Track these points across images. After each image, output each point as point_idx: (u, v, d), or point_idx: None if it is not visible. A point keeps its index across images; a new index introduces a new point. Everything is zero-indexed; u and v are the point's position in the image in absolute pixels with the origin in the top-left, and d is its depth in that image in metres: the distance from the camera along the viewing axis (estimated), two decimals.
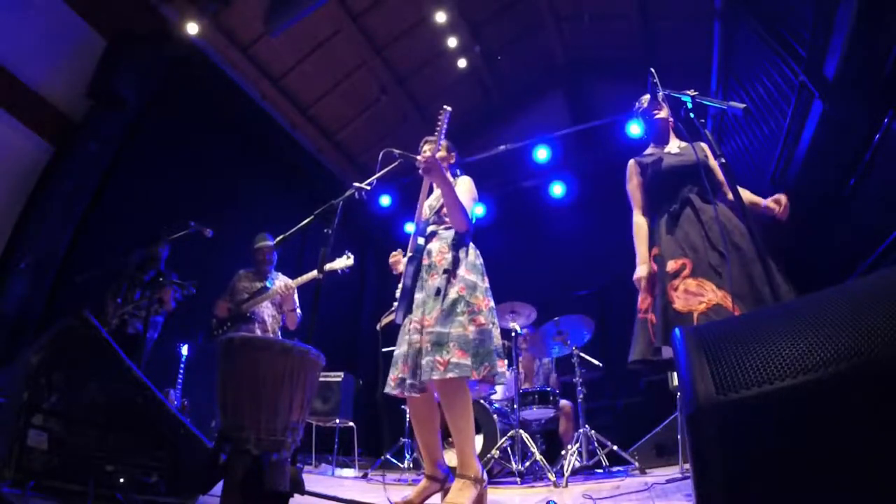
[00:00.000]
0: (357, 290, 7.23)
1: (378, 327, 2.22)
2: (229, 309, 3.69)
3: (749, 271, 1.80)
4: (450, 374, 1.80)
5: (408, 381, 1.91)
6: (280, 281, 3.81)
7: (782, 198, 1.99)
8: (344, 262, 3.30)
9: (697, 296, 1.81)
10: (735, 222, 1.93)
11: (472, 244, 2.18)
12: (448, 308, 1.93)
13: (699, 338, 0.75)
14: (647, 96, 2.33)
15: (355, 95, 6.48)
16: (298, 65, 5.82)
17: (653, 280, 2.03)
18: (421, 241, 2.14)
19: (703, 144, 2.15)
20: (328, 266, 3.23)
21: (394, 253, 2.31)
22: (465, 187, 2.23)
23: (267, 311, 3.76)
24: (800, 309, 0.73)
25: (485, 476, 1.89)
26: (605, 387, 4.82)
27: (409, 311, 2.05)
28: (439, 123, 2.06)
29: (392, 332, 2.10)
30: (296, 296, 3.84)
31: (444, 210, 2.19)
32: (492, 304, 2.07)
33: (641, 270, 2.08)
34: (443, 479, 2.01)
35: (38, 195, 3.78)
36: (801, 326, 0.67)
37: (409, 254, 2.14)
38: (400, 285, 2.10)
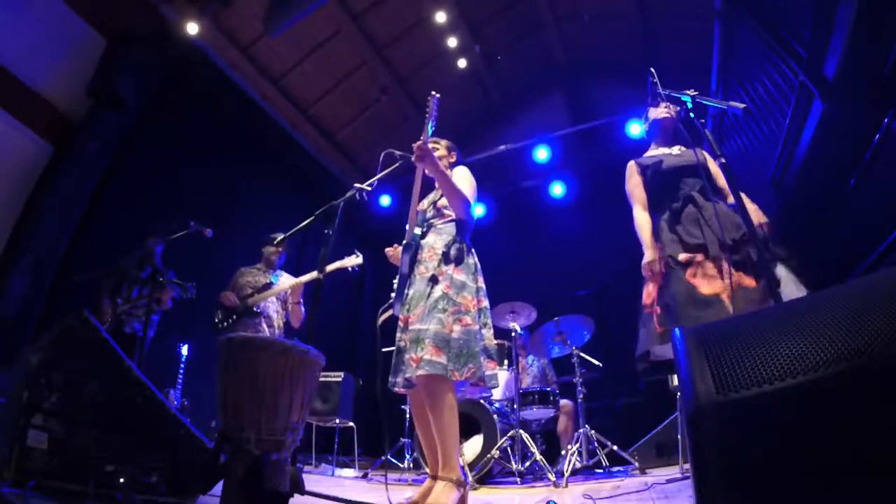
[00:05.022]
0: (357, 291, 7.23)
1: (377, 322, 2.20)
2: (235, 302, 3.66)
3: (748, 270, 1.80)
4: (420, 371, 1.76)
5: (390, 379, 1.94)
6: (285, 278, 3.81)
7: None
8: (353, 260, 3.30)
9: (718, 279, 1.83)
10: (735, 221, 1.94)
11: (467, 242, 2.12)
12: (431, 305, 1.89)
13: (699, 338, 0.75)
14: (661, 108, 2.34)
15: (355, 95, 6.48)
16: (298, 65, 5.82)
17: (659, 272, 2.03)
18: (418, 230, 2.10)
19: (704, 151, 2.16)
20: (338, 264, 3.27)
21: (388, 249, 2.27)
22: (461, 175, 2.18)
23: (272, 306, 3.75)
24: (800, 309, 0.73)
25: (468, 479, 1.86)
26: (605, 387, 4.80)
27: (404, 301, 2.02)
28: (428, 110, 2.04)
29: (391, 331, 2.09)
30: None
31: (442, 202, 2.16)
32: (485, 304, 2.02)
33: (649, 255, 2.06)
34: None
35: (38, 195, 3.79)
36: (801, 326, 0.67)
37: (405, 242, 2.09)
38: (398, 276, 2.08)
